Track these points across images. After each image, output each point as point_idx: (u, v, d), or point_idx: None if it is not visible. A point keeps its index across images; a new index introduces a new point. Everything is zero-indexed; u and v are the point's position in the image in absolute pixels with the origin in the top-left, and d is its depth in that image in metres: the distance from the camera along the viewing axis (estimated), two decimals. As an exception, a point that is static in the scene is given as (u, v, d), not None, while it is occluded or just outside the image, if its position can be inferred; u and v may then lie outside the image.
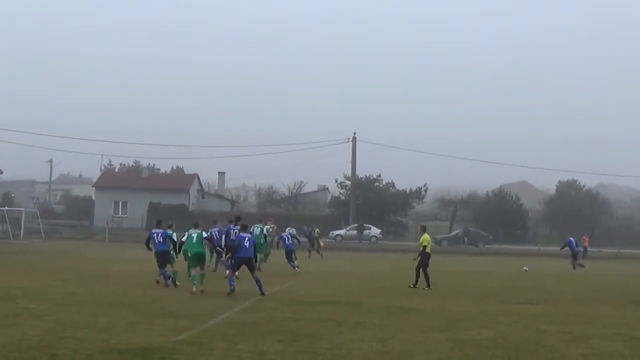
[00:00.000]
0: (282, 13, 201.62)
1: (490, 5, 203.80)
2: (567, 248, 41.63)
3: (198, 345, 13.52)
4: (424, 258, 26.93)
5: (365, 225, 75.93)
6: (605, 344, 15.13)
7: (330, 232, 75.61)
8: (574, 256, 40.64)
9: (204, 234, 24.94)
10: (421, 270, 26.89)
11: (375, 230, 76.81)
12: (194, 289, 22.72)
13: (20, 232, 67.58)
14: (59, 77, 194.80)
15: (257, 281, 22.63)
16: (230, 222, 29.49)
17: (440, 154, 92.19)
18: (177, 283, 24.53)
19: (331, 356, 12.83)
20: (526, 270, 37.17)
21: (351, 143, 75.41)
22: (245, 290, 23.64)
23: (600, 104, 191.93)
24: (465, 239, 72.68)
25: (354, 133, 76.30)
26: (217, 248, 29.06)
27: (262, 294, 22.32)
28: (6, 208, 73.67)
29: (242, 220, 25.55)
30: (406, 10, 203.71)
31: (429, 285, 26.46)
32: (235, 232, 26.17)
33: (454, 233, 78.15)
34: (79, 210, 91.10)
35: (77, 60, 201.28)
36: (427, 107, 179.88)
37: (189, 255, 24.31)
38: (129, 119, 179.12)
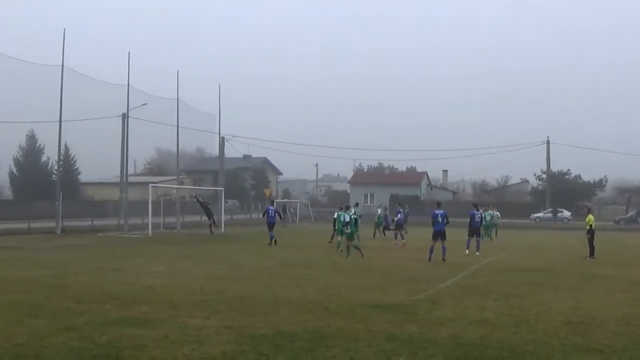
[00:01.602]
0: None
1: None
2: None
3: (432, 302, 13.64)
4: (591, 234, 26.17)
5: (558, 209, 74.74)
6: None
7: (531, 215, 75.73)
8: None
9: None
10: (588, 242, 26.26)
11: (566, 213, 74.75)
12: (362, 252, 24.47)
13: (296, 218, 70.38)
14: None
15: (444, 249, 23.62)
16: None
17: (617, 151, 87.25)
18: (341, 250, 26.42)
19: (536, 311, 12.65)
20: None
21: (545, 145, 74.96)
22: (467, 261, 23.79)
23: None
24: (639, 219, 69.49)
25: (548, 137, 75.81)
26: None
27: (443, 259, 23.10)
28: (286, 200, 77.20)
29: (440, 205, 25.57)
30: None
31: (591, 255, 25.72)
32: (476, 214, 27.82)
33: (629, 214, 74.75)
34: (338, 201, 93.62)
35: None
36: (606, 108, 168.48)
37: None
38: (377, 125, 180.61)
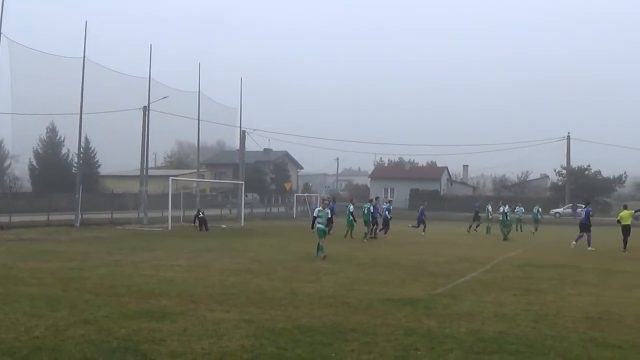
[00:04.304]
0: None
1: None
2: None
3: (452, 297, 13.66)
4: (622, 229, 27.86)
5: (577, 205, 74.56)
6: None
7: (551, 210, 75.82)
8: None
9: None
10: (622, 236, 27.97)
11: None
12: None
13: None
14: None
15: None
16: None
17: (637, 147, 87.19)
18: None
19: (555, 307, 12.63)
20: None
21: (566, 141, 75.51)
22: (487, 256, 23.81)
23: None
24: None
25: (568, 133, 76.87)
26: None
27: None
28: (306, 194, 77.23)
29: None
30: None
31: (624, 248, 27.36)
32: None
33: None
34: (358, 195, 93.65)
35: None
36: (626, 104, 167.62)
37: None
38: (397, 120, 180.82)
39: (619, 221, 28.18)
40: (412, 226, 39.92)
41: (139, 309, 11.43)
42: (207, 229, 37.85)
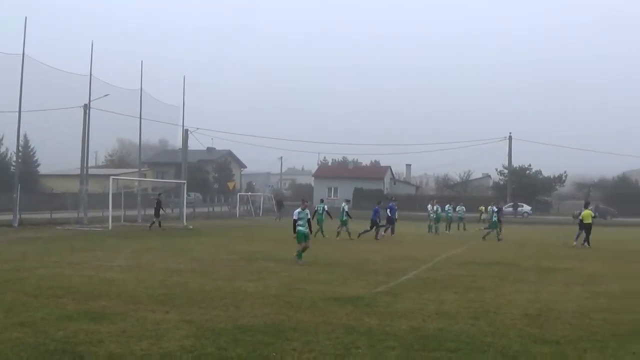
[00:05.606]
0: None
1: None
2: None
3: (393, 295, 13.77)
4: (583, 226, 29.77)
5: (519, 203, 76.46)
6: None
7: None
8: None
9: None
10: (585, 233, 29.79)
11: (527, 208, 77.30)
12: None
13: (260, 211, 70.36)
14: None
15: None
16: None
17: (576, 147, 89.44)
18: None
19: (495, 304, 12.84)
20: None
21: (507, 140, 76.56)
22: (429, 254, 24.03)
23: None
24: (597, 214, 70.93)
25: (510, 133, 77.73)
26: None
27: None
28: (249, 193, 77.15)
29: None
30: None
31: (587, 243, 29.25)
32: None
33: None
34: (302, 194, 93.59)
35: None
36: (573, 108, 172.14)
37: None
38: (341, 120, 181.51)
39: (581, 220, 29.89)
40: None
41: (78, 310, 11.23)
42: (150, 226, 37.50)
